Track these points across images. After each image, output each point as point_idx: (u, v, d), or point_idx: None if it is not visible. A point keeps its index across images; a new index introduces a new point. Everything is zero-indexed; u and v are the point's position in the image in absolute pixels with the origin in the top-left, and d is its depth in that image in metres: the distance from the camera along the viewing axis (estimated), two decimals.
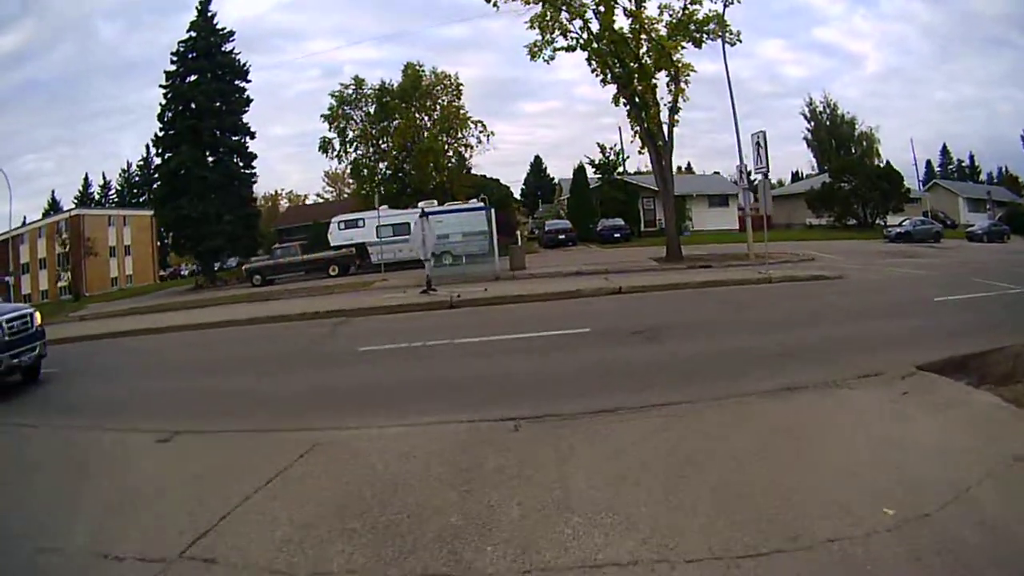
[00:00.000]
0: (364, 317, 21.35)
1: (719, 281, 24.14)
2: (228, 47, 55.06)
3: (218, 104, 53.49)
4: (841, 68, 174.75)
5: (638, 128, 35.04)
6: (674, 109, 34.28)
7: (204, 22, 54.17)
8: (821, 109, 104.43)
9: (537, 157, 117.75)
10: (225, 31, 55.03)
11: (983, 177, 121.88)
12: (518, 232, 53.88)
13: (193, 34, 53.95)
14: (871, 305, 18.50)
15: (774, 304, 19.35)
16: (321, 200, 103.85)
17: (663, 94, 34.36)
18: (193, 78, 53.38)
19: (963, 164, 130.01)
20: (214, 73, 53.58)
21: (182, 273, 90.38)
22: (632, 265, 31.83)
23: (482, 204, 37.02)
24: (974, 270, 27.26)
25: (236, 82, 55.18)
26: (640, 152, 36.07)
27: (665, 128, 34.42)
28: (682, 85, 33.94)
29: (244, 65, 55.29)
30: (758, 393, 9.26)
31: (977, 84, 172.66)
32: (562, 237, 56.67)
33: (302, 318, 21.91)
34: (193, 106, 52.30)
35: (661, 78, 34.33)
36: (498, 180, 69.53)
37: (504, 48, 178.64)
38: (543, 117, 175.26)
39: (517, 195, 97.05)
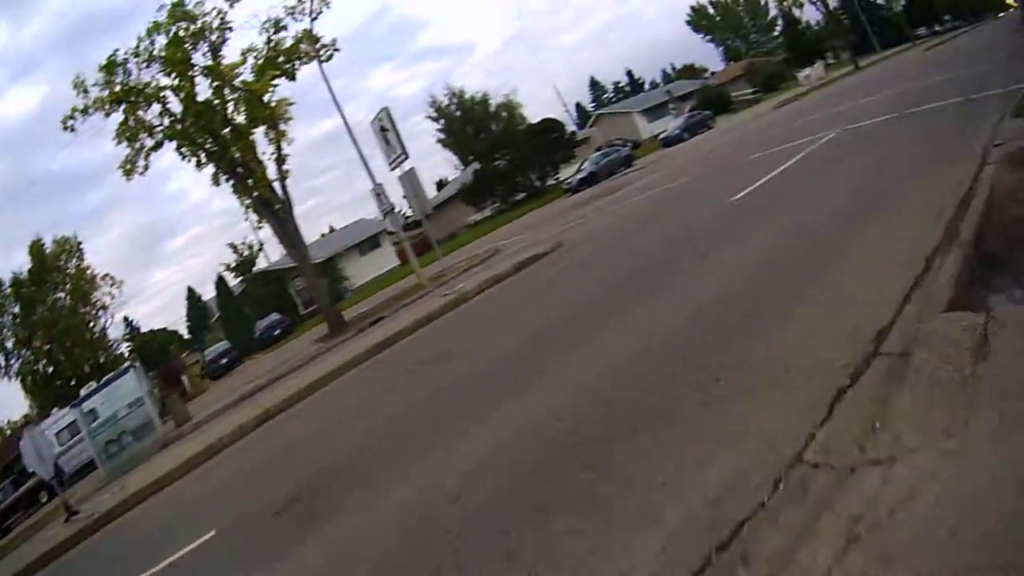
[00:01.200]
0: None
1: (398, 333, 16.49)
2: None
3: None
4: (457, 62, 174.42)
5: (249, 201, 28.61)
6: (280, 159, 27.96)
7: None
8: (447, 103, 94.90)
9: (189, 288, 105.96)
10: None
11: (647, 88, 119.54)
12: (185, 377, 46.27)
13: None
14: (668, 249, 11.51)
15: (498, 326, 12.32)
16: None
17: (265, 148, 28.32)
18: None
19: (621, 85, 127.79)
20: None
21: None
22: (293, 361, 24.41)
23: (127, 367, 28.97)
24: (724, 163, 23.16)
25: None
26: (259, 226, 29.01)
27: (278, 185, 28.07)
28: (282, 128, 28.17)
29: None
30: None
31: (607, 7, 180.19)
32: (224, 361, 49.64)
33: None
34: None
35: (259, 133, 28.51)
36: (164, 328, 64.90)
37: (137, 196, 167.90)
38: (190, 247, 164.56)
39: (186, 335, 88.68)
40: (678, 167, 29.16)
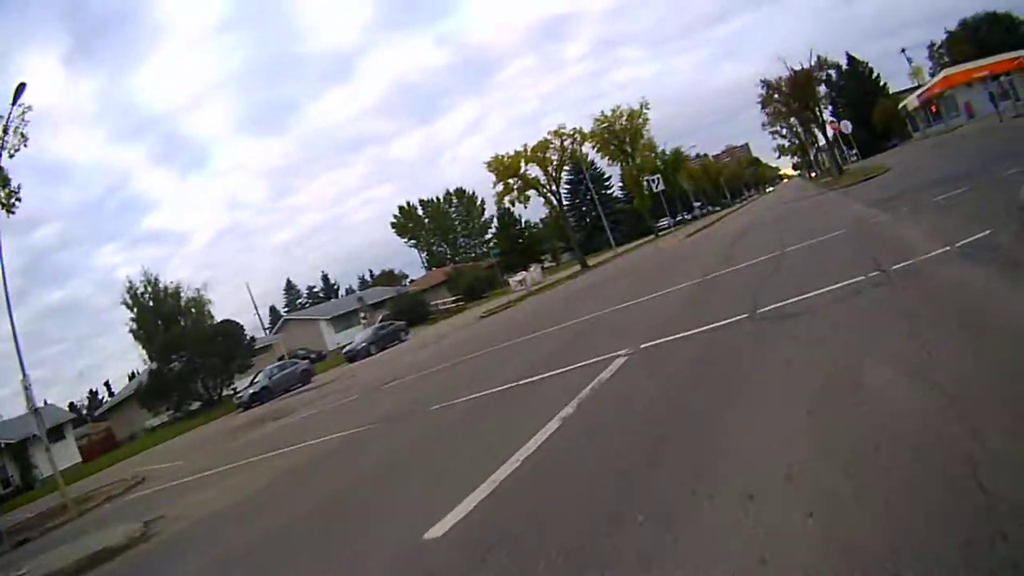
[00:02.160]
0: None
1: None
2: None
3: None
4: (174, 250, 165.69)
5: None
6: None
7: None
8: (142, 290, 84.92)
9: None
10: None
11: (342, 293, 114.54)
12: None
13: None
14: None
15: None
16: None
17: None
18: None
19: (316, 289, 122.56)
20: None
21: None
22: None
23: None
24: (419, 406, 13.26)
25: None
26: None
27: None
28: None
29: None
30: None
31: (318, 208, 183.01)
32: None
33: None
34: None
35: None
36: None
37: None
38: None
39: None
40: (360, 396, 21.18)
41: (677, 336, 8.83)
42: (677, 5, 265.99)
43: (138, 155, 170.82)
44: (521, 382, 10.03)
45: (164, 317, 78.65)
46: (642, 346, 9.06)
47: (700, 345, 8.05)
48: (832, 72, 64.70)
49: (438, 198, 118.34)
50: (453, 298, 70.17)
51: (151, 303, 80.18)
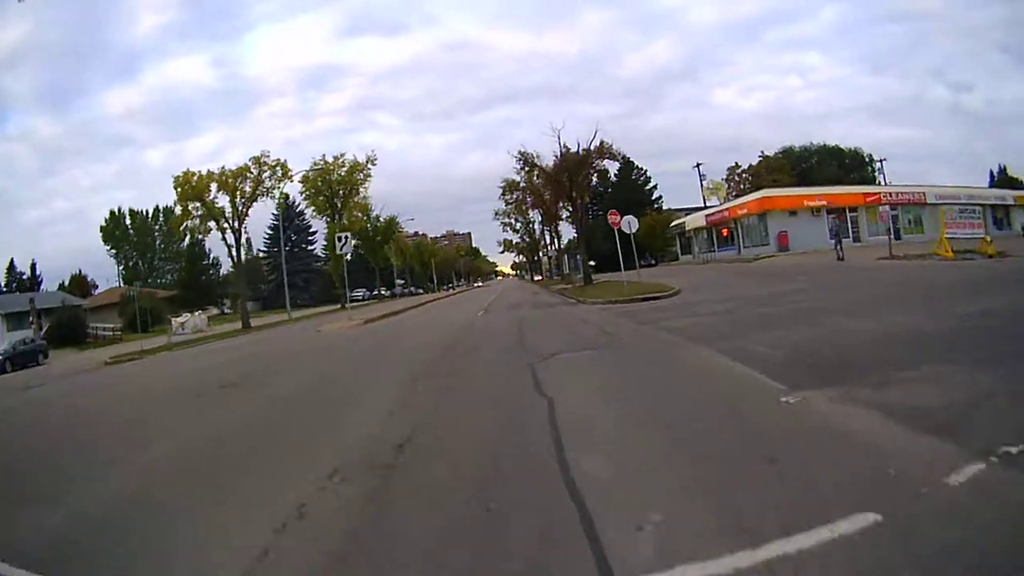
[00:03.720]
0: None
1: None
2: None
3: None
4: None
5: None
6: None
7: None
8: None
9: None
10: None
11: (44, 288, 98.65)
12: None
13: None
14: None
15: None
16: None
17: None
18: None
19: (24, 277, 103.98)
20: None
21: None
22: None
23: None
24: None
25: None
26: None
27: None
28: None
29: None
30: None
31: (68, 195, 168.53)
32: None
33: None
34: None
35: None
36: None
37: None
38: None
39: None
40: None
41: None
42: (448, 84, 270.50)
43: None
44: None
45: None
46: None
47: None
48: (610, 164, 56.25)
49: (146, 211, 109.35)
50: (114, 326, 60.72)
51: None
